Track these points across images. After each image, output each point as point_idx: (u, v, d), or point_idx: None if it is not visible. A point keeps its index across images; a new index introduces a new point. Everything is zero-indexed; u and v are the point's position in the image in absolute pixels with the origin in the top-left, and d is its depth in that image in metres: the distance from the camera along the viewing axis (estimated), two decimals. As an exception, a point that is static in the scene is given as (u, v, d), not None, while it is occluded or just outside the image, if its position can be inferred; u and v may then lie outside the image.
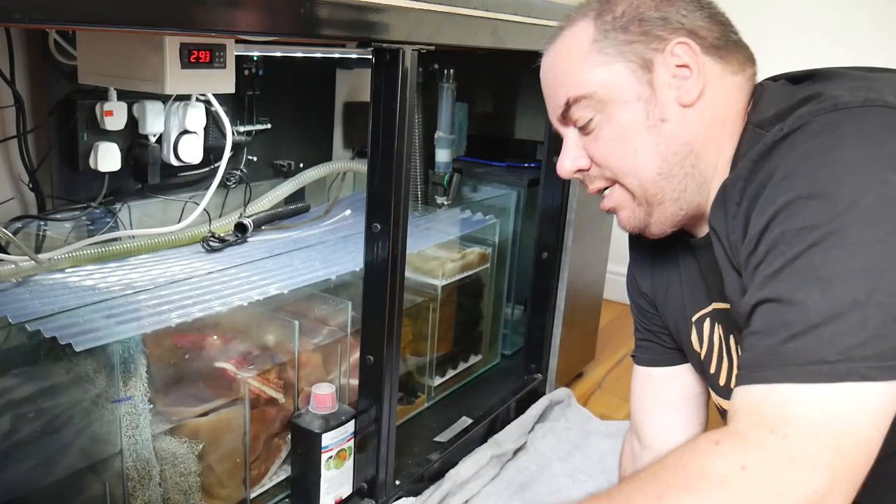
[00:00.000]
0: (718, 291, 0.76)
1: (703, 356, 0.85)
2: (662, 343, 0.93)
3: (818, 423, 0.53)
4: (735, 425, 0.56)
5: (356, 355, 1.15)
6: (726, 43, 0.74)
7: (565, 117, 0.77)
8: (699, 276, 0.82)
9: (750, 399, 0.56)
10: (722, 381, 0.82)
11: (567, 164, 0.79)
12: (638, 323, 0.97)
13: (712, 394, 0.88)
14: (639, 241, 0.93)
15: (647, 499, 0.56)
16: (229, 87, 0.99)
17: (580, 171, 0.79)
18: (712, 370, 0.84)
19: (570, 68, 0.75)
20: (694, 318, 0.84)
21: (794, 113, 0.63)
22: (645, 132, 0.73)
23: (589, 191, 0.80)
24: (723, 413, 0.84)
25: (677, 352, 0.91)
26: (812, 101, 0.63)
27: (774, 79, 0.76)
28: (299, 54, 1.37)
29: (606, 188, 0.78)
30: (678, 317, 0.87)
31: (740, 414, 0.56)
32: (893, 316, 0.53)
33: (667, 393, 0.94)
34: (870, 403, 0.53)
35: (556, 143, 1.46)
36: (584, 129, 0.76)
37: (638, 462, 0.99)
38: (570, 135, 0.79)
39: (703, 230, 0.78)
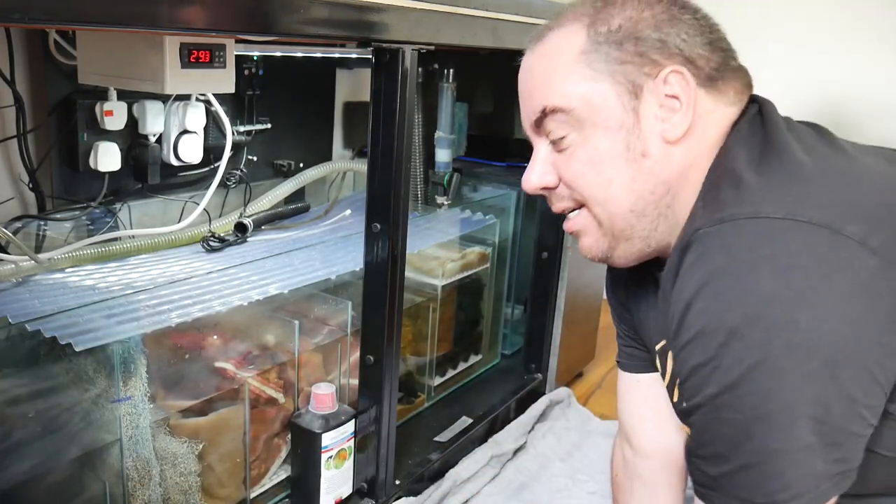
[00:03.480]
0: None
1: (666, 383, 0.81)
2: (645, 349, 0.90)
3: None
4: None
5: (356, 355, 1.15)
6: (724, 72, 0.69)
7: (539, 126, 0.72)
8: (658, 308, 0.78)
9: None
10: None
11: (533, 178, 0.74)
12: (619, 328, 0.94)
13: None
14: None
15: None
16: (229, 87, 0.99)
17: (546, 188, 0.74)
18: (674, 399, 0.81)
19: (552, 75, 0.70)
20: (658, 348, 0.81)
21: (717, 212, 0.60)
22: (623, 164, 0.68)
23: (553, 209, 0.76)
24: None
25: None
26: (736, 198, 0.60)
27: (762, 105, 0.71)
28: (299, 54, 1.37)
29: (573, 210, 0.74)
30: (648, 341, 0.85)
31: None
32: (813, 461, 0.56)
33: (656, 399, 0.91)
34: None
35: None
36: (556, 145, 0.71)
37: (631, 469, 0.97)
38: (540, 147, 0.74)
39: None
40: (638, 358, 0.92)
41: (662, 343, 0.79)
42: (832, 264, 0.54)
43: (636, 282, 0.85)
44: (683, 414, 0.63)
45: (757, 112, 0.69)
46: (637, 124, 0.67)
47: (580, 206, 0.73)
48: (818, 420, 0.54)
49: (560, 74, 0.69)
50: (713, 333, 0.56)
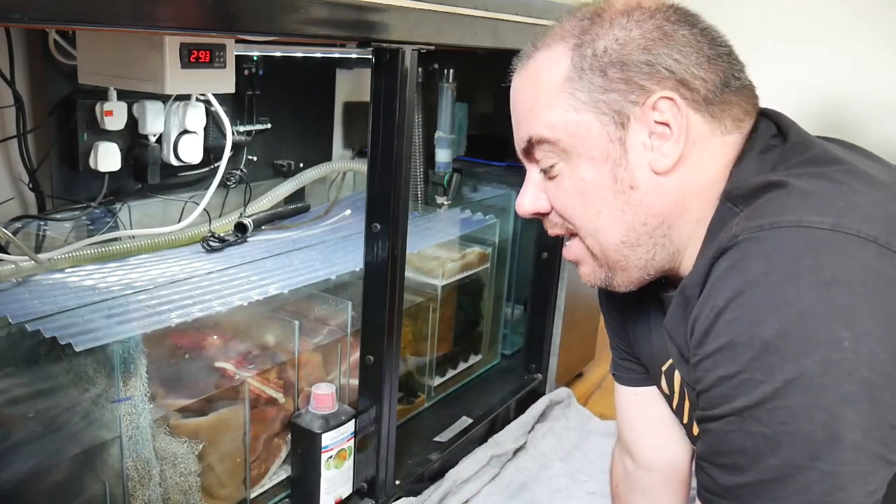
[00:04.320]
0: None
1: (674, 405, 0.81)
2: (642, 365, 0.88)
3: None
4: None
5: (356, 355, 1.15)
6: (723, 93, 0.64)
7: (528, 154, 0.71)
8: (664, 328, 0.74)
9: None
10: (696, 431, 0.76)
11: (526, 203, 0.73)
12: (614, 342, 0.92)
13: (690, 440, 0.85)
14: None
15: None
16: (229, 87, 0.99)
17: (539, 213, 0.73)
18: (685, 420, 0.81)
19: (536, 103, 0.68)
20: (664, 368, 0.79)
21: (756, 218, 0.56)
22: (611, 196, 0.66)
23: (549, 234, 0.75)
24: None
25: None
26: (776, 205, 0.57)
27: (777, 119, 0.68)
28: (299, 54, 1.37)
29: (566, 236, 0.73)
30: (649, 361, 0.83)
31: None
32: (835, 484, 0.52)
33: (657, 412, 0.88)
34: None
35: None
36: (546, 172, 0.70)
37: (633, 481, 0.95)
38: (532, 171, 0.73)
39: (673, 287, 0.70)
40: (635, 371, 0.90)
41: (669, 363, 0.77)
42: (879, 281, 0.51)
43: (636, 302, 0.81)
44: (700, 420, 0.61)
45: (776, 129, 0.67)
46: (624, 155, 0.65)
47: (573, 234, 0.71)
48: (854, 445, 0.51)
49: (544, 103, 0.67)
50: (745, 345, 0.53)
